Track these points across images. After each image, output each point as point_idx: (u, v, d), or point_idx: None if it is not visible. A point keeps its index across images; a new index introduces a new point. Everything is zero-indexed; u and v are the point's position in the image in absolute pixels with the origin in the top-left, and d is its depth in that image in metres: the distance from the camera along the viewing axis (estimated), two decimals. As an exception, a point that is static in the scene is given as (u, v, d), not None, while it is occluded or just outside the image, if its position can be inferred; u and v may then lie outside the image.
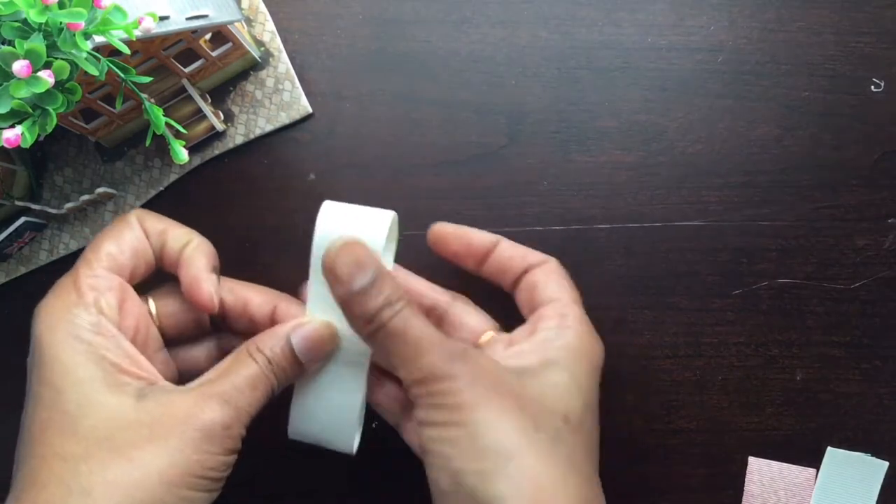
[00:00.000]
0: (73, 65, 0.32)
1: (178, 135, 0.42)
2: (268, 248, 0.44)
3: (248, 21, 0.45)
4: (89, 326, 0.32)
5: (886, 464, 0.42)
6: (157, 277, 0.38)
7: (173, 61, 0.41)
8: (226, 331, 0.40)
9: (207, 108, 0.44)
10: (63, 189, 0.46)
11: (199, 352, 0.39)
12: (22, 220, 0.44)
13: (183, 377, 0.37)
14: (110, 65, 0.35)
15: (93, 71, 0.33)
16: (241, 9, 0.44)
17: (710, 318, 0.43)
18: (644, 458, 0.43)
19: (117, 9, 0.32)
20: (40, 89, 0.31)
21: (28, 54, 0.31)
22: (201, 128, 0.44)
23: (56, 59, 0.32)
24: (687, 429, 0.43)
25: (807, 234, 0.43)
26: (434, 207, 0.44)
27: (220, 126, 0.44)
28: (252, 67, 0.45)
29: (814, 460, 0.43)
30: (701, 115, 0.44)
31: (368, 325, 0.33)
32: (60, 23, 0.31)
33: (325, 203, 0.35)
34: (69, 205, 0.44)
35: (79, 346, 0.32)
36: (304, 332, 0.35)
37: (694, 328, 0.43)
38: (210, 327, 0.39)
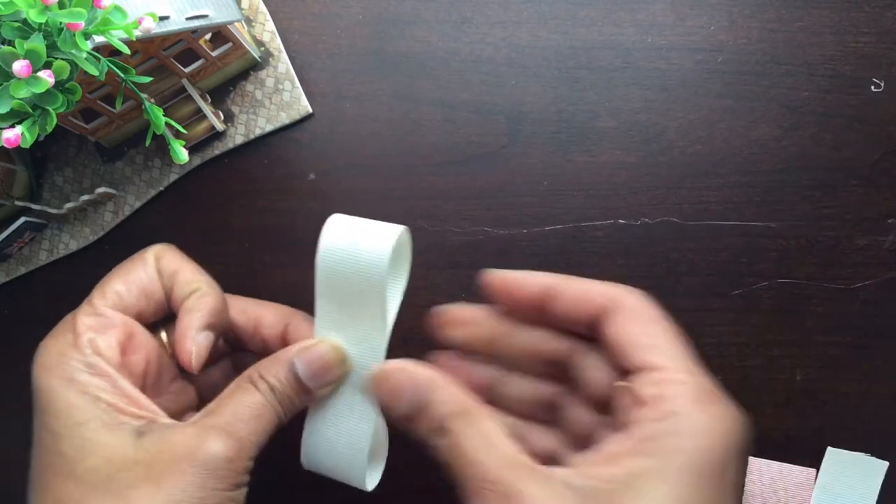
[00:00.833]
0: (73, 65, 0.32)
1: (178, 135, 0.42)
2: (268, 248, 0.44)
3: (248, 21, 0.45)
4: (84, 368, 0.31)
5: (886, 464, 0.42)
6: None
7: (173, 61, 0.41)
8: (242, 350, 0.38)
9: (207, 108, 0.44)
10: (63, 189, 0.46)
11: (216, 372, 0.38)
12: (22, 220, 0.44)
13: (203, 399, 0.36)
14: (110, 65, 0.35)
15: (93, 71, 0.33)
16: (241, 9, 0.44)
17: (710, 318, 0.43)
18: (644, 458, 0.43)
19: (117, 9, 0.32)
20: (40, 89, 0.31)
21: (28, 54, 0.31)
22: (201, 128, 0.44)
23: (56, 59, 0.32)
24: (687, 429, 0.43)
25: (807, 234, 0.43)
26: (434, 207, 0.44)
27: (220, 126, 0.44)
28: (252, 67, 0.45)
29: (814, 460, 0.43)
30: (701, 115, 0.44)
31: (428, 443, 0.30)
32: (60, 23, 0.31)
33: (332, 217, 0.33)
34: (69, 205, 0.44)
35: (74, 388, 0.31)
36: (309, 357, 0.33)
37: (694, 328, 0.43)
38: (227, 347, 0.38)
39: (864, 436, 0.43)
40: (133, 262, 0.35)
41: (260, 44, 0.45)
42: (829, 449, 0.43)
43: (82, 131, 0.43)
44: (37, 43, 0.31)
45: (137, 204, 0.45)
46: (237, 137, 0.45)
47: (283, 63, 0.45)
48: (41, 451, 0.31)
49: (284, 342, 0.35)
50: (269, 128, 0.45)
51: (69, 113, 0.39)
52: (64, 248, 0.46)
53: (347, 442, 0.33)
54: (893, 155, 0.44)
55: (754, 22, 0.44)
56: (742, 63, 0.44)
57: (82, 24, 0.31)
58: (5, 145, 0.32)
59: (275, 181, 0.45)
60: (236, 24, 0.42)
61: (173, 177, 0.45)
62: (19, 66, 0.30)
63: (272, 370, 0.32)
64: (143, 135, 0.44)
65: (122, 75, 0.35)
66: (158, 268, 0.35)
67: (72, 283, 0.46)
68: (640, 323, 0.30)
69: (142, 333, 0.35)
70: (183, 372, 0.36)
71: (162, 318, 0.36)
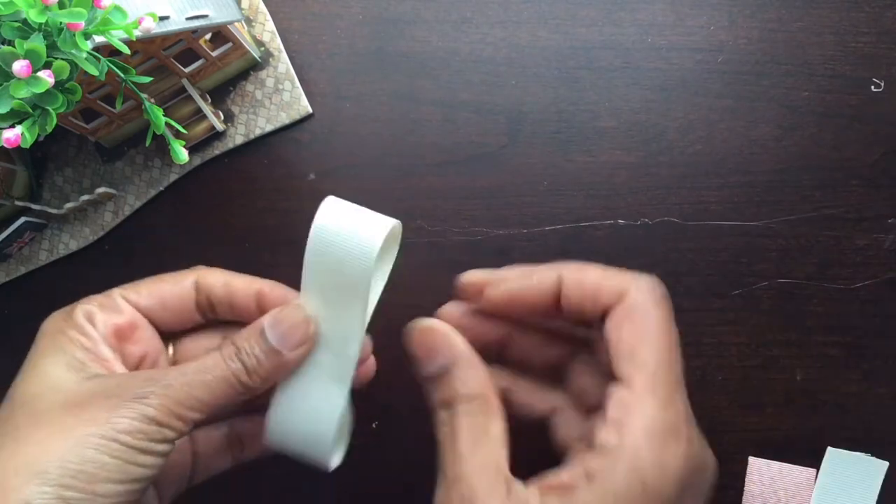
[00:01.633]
0: (73, 65, 0.32)
1: (178, 135, 0.42)
2: (268, 248, 0.44)
3: (248, 21, 0.45)
4: (70, 326, 0.32)
5: (886, 464, 0.42)
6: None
7: (173, 61, 0.41)
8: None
9: (207, 108, 0.44)
10: (63, 189, 0.46)
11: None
12: (22, 220, 0.44)
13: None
14: (110, 65, 0.35)
15: (93, 71, 0.33)
16: (241, 9, 0.44)
17: (710, 318, 0.43)
18: (644, 458, 0.43)
19: (117, 9, 0.32)
20: (40, 89, 0.31)
21: (28, 54, 0.31)
22: (201, 128, 0.44)
23: (56, 59, 0.32)
24: (687, 429, 0.43)
25: (807, 234, 0.43)
26: (434, 207, 0.44)
27: (220, 126, 0.44)
28: (252, 67, 0.45)
29: (814, 460, 0.43)
30: (701, 115, 0.44)
31: (434, 411, 0.31)
32: (60, 23, 0.31)
33: (329, 198, 0.34)
34: (69, 205, 0.44)
35: (55, 339, 0.32)
36: (276, 317, 0.32)
37: (694, 328, 0.43)
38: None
39: (864, 436, 0.43)
40: (165, 274, 0.36)
41: (260, 44, 0.45)
42: (829, 449, 0.43)
43: (82, 131, 0.43)
44: (37, 43, 0.31)
45: (137, 204, 0.45)
46: (237, 137, 0.45)
47: (283, 63, 0.45)
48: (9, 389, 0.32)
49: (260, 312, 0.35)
50: (269, 128, 0.45)
51: (69, 113, 0.39)
52: (64, 248, 0.46)
53: (315, 419, 0.34)
54: (893, 155, 0.44)
55: (754, 22, 0.44)
56: (742, 63, 0.44)
57: (82, 24, 0.31)
58: (5, 145, 0.32)
59: (275, 181, 0.45)
60: (236, 24, 0.42)
61: (173, 177, 0.45)
62: (19, 66, 0.30)
63: (243, 335, 0.33)
64: (143, 135, 0.44)
65: (122, 75, 0.35)
66: (201, 283, 0.35)
67: (72, 283, 0.46)
68: (634, 323, 0.30)
69: (148, 332, 0.35)
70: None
71: (180, 331, 0.36)
